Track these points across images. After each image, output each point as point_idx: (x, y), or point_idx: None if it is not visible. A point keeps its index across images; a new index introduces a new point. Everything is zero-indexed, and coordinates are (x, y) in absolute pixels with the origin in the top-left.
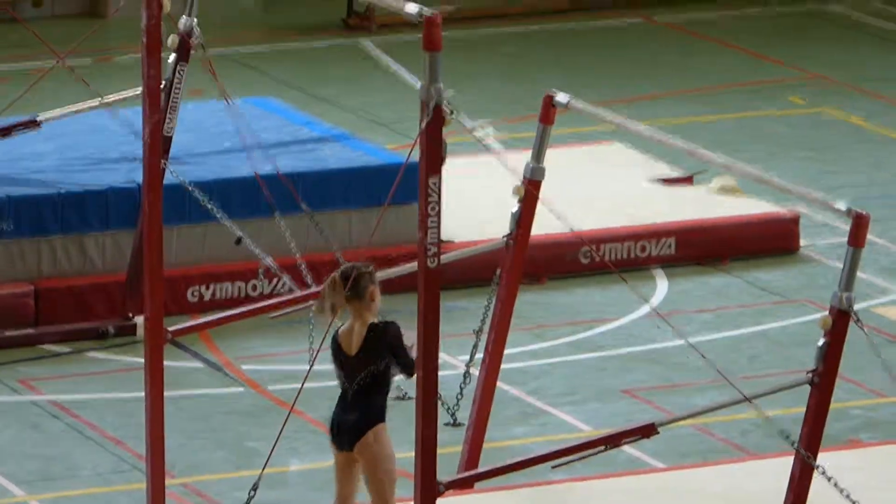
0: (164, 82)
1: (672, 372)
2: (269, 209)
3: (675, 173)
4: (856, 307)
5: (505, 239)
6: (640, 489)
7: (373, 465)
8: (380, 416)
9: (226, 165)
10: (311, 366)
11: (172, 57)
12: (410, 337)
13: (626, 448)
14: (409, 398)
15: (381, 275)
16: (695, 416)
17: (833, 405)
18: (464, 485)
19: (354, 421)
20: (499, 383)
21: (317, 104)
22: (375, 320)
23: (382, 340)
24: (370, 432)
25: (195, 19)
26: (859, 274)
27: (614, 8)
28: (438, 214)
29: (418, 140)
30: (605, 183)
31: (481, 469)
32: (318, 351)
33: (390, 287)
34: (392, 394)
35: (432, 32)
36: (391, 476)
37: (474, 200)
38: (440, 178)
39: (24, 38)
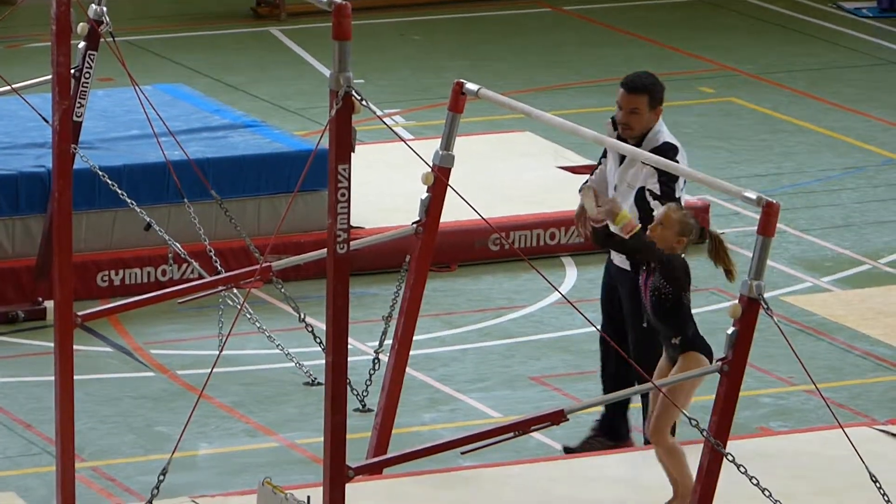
0: (73, 69)
1: (581, 359)
2: (179, 195)
3: (584, 162)
4: (765, 296)
5: (414, 226)
6: (548, 476)
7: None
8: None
9: (135, 152)
10: (221, 351)
11: (82, 44)
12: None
13: (536, 434)
14: (319, 384)
15: (290, 261)
16: (603, 402)
17: (742, 393)
18: (373, 470)
19: None
20: (408, 369)
21: (227, 92)
22: None
23: None
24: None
25: (105, 7)
26: (769, 262)
27: None
28: (348, 201)
29: (328, 128)
30: (514, 171)
31: (390, 455)
32: (227, 336)
33: (300, 273)
34: (302, 380)
35: (342, 21)
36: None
37: (384, 188)
38: (349, 166)
39: None
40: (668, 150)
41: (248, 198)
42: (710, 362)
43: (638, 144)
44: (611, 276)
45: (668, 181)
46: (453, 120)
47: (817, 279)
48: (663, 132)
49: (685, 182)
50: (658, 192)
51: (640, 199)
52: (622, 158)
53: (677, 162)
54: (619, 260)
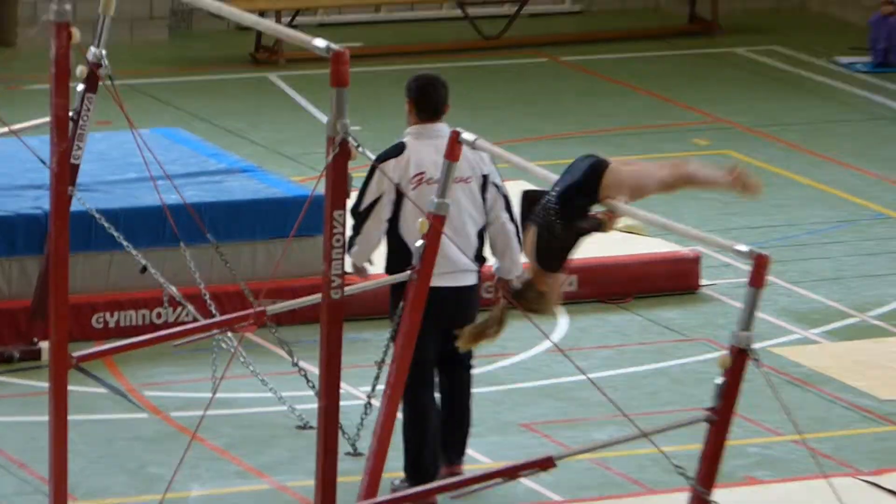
0: (72, 112)
1: (571, 406)
2: (175, 239)
3: None
4: (755, 346)
5: (409, 272)
6: None
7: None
8: None
9: (132, 195)
10: (214, 394)
11: (81, 87)
12: None
13: (524, 480)
14: (311, 427)
15: (284, 306)
16: (593, 450)
17: (730, 442)
18: None
19: None
20: (399, 414)
21: (224, 136)
22: None
23: None
24: None
25: (104, 50)
26: (759, 314)
27: (523, 47)
28: (343, 247)
29: (324, 173)
30: None
31: (380, 498)
32: (220, 379)
33: (294, 317)
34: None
35: (340, 68)
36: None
37: None
38: (345, 212)
39: None
40: None
41: (243, 242)
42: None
43: None
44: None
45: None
46: (450, 168)
47: (806, 331)
48: None
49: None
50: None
51: None
52: None
53: None
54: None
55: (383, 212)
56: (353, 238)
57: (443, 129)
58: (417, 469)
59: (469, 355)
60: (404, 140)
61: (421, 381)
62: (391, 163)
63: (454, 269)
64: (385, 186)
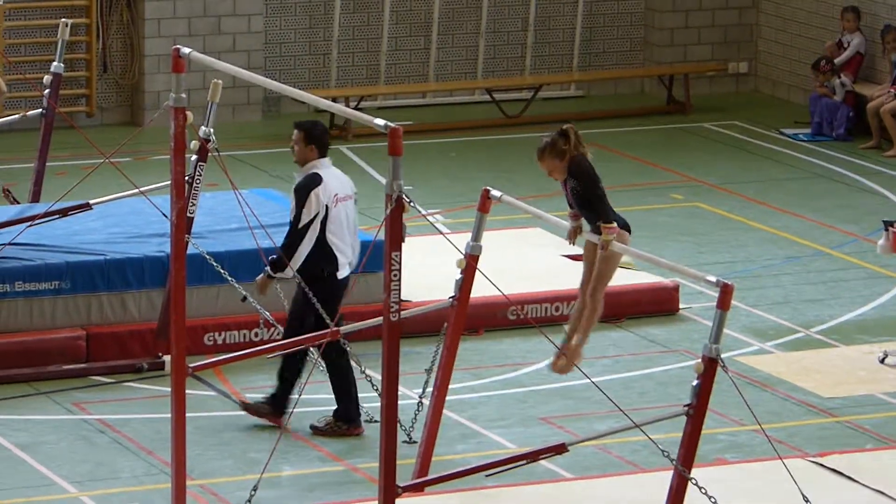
0: (187, 177)
1: (579, 404)
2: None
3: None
4: (722, 356)
5: (450, 300)
6: (553, 494)
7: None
8: None
9: (234, 241)
10: (300, 395)
11: (194, 157)
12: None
13: (543, 462)
14: (376, 421)
15: (354, 327)
16: (596, 438)
17: (704, 431)
18: (417, 489)
19: None
20: (444, 411)
21: None
22: None
23: None
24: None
25: (212, 129)
26: (725, 330)
27: (537, 123)
28: (399, 280)
29: (384, 223)
30: (527, 258)
31: (430, 476)
32: (305, 383)
33: (362, 336)
34: (363, 418)
35: (395, 141)
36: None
37: (427, 270)
38: (401, 253)
39: (79, 140)
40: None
41: None
42: (629, 233)
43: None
44: None
45: None
46: (481, 218)
47: (763, 343)
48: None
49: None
50: None
51: None
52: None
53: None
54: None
55: (315, 228)
56: (290, 250)
57: (329, 161)
58: (352, 411)
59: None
60: (318, 172)
61: (341, 350)
62: (319, 190)
63: (348, 262)
64: (319, 207)
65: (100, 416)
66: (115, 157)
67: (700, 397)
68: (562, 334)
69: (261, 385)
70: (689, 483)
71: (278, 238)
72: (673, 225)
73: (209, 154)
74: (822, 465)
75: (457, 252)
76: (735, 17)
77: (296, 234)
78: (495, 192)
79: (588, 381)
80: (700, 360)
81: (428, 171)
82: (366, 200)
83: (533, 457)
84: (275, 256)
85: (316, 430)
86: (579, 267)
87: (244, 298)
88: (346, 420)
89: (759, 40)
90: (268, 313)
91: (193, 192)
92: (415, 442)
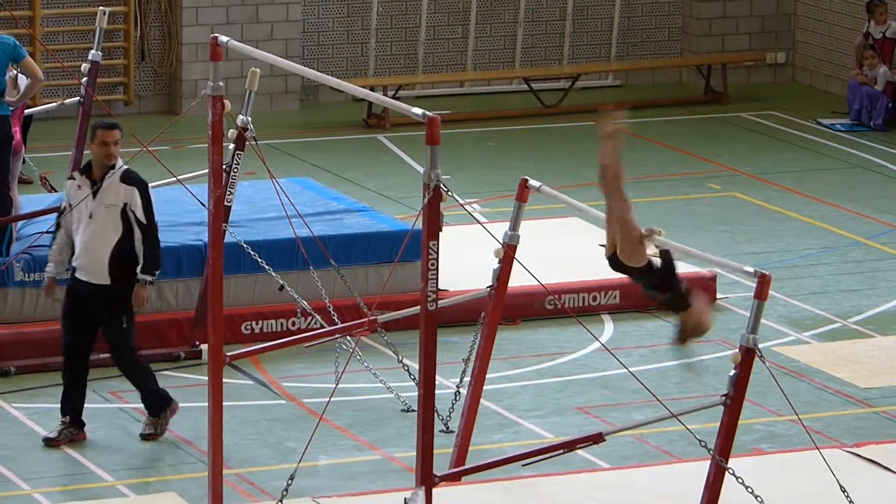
0: (225, 165)
1: (616, 394)
2: (305, 264)
3: None
4: (759, 346)
5: (488, 289)
6: (590, 484)
7: None
8: None
9: (272, 229)
10: (337, 384)
11: (231, 146)
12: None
13: (580, 452)
14: (413, 410)
15: (391, 316)
16: (633, 428)
17: (741, 421)
18: (454, 478)
19: None
20: (482, 400)
21: (343, 184)
22: None
23: None
24: None
25: (250, 117)
26: (762, 320)
27: (575, 113)
28: (437, 270)
29: (422, 212)
30: (565, 248)
31: (467, 466)
32: (342, 373)
33: (399, 326)
34: (400, 407)
35: (433, 130)
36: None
37: (465, 259)
38: (438, 242)
39: None
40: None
41: (359, 266)
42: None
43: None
44: (78, 297)
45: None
46: (519, 208)
47: (800, 334)
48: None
49: None
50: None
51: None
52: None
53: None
54: (97, 278)
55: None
56: (159, 248)
57: None
58: (159, 397)
59: None
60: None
61: (129, 348)
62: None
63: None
64: None
65: (136, 404)
66: (152, 146)
67: (737, 387)
68: (598, 324)
69: (298, 374)
70: (727, 473)
71: (316, 227)
72: (710, 214)
73: (247, 143)
74: (858, 455)
75: (494, 241)
76: (773, 6)
77: (154, 231)
78: (534, 182)
79: (625, 370)
80: (737, 350)
81: (465, 161)
82: (403, 190)
83: (570, 446)
84: (145, 263)
85: (149, 437)
86: None
87: (281, 287)
88: (161, 408)
89: (797, 30)
90: (304, 302)
91: (231, 180)
92: (452, 431)
